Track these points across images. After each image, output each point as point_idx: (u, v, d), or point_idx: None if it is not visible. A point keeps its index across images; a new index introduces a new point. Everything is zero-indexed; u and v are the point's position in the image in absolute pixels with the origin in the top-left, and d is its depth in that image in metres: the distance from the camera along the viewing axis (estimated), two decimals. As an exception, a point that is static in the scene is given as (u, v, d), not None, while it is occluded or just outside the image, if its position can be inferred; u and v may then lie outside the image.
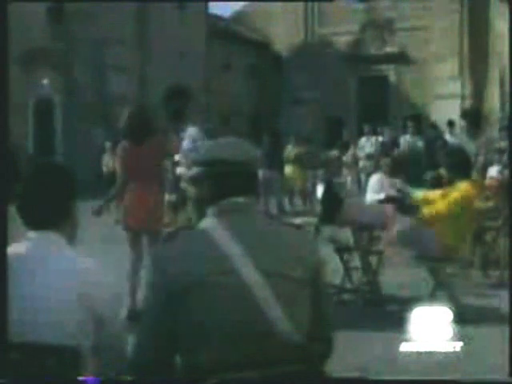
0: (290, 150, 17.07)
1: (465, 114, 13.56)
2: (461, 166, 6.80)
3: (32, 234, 2.42)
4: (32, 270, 2.34)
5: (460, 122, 14.92)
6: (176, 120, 6.81)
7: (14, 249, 2.41)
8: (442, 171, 7.02)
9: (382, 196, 9.56)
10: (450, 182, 6.89)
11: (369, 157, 17.61)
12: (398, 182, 9.32)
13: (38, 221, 2.41)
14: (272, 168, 15.59)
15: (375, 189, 9.80)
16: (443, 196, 6.81)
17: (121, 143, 6.79)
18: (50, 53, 23.72)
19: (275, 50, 34.32)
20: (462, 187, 6.72)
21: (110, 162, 17.07)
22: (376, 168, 10.98)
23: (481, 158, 10.57)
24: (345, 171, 18.84)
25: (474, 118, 11.14)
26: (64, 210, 2.46)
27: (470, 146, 10.29)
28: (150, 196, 6.53)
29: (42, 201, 2.41)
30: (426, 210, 6.84)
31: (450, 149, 10.05)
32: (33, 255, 2.38)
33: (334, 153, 19.01)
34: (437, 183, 8.23)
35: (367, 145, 18.16)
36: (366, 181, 12.50)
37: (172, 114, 6.75)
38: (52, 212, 2.43)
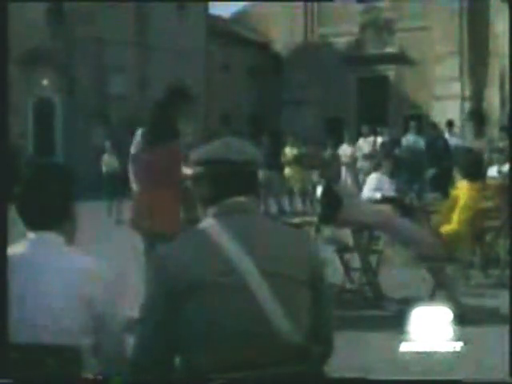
0: (290, 151, 17.08)
1: (470, 115, 13.60)
2: (474, 167, 6.84)
3: (31, 235, 2.42)
4: (32, 271, 2.34)
5: (461, 123, 14.95)
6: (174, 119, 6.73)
7: (13, 249, 2.41)
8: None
9: (378, 195, 9.56)
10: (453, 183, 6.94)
11: (367, 157, 17.60)
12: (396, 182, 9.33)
13: (37, 221, 2.41)
14: (272, 168, 15.60)
15: (373, 188, 9.81)
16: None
17: (137, 142, 6.66)
18: (49, 53, 23.73)
19: (275, 51, 34.33)
20: (463, 187, 6.74)
21: (109, 162, 17.07)
22: (374, 168, 10.98)
23: (484, 158, 10.58)
24: (343, 171, 18.82)
25: (478, 118, 11.18)
26: (63, 211, 2.46)
27: (475, 146, 10.32)
28: (166, 198, 6.42)
29: (41, 201, 2.41)
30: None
31: (462, 150, 10.07)
32: (32, 256, 2.38)
33: (328, 153, 18.99)
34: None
35: (366, 145, 18.15)
36: (365, 181, 12.49)
37: (170, 113, 6.72)
38: (51, 213, 2.42)
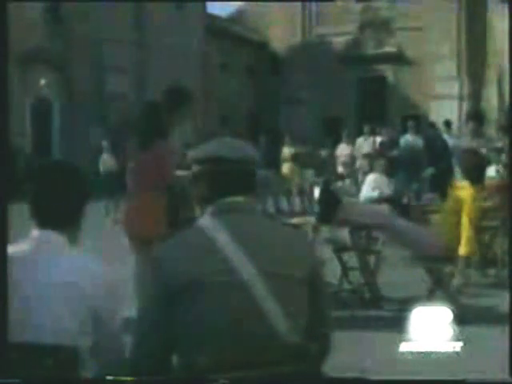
0: (288, 150, 17.08)
1: (468, 115, 13.58)
2: (477, 170, 6.83)
3: (34, 233, 2.42)
4: (33, 270, 2.34)
5: (460, 122, 14.93)
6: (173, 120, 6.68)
7: (15, 248, 2.40)
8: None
9: (376, 194, 9.57)
10: (451, 183, 6.93)
11: (366, 156, 17.60)
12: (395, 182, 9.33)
13: (52, 220, 2.40)
14: (269, 168, 15.61)
15: (371, 187, 9.81)
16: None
17: (128, 143, 6.64)
18: (47, 52, 23.71)
19: (273, 50, 34.34)
20: (464, 188, 6.72)
21: (107, 162, 17.08)
22: (373, 168, 10.99)
23: (486, 160, 10.58)
24: (341, 171, 18.83)
25: (476, 118, 11.17)
26: (78, 211, 2.47)
27: (473, 146, 10.31)
28: (153, 202, 6.38)
29: (57, 200, 2.41)
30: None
31: (461, 150, 10.06)
32: (34, 255, 2.37)
33: (324, 152, 19.02)
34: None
35: (365, 145, 18.16)
36: (364, 180, 12.49)
37: (169, 114, 6.67)
38: (67, 212, 2.43)
